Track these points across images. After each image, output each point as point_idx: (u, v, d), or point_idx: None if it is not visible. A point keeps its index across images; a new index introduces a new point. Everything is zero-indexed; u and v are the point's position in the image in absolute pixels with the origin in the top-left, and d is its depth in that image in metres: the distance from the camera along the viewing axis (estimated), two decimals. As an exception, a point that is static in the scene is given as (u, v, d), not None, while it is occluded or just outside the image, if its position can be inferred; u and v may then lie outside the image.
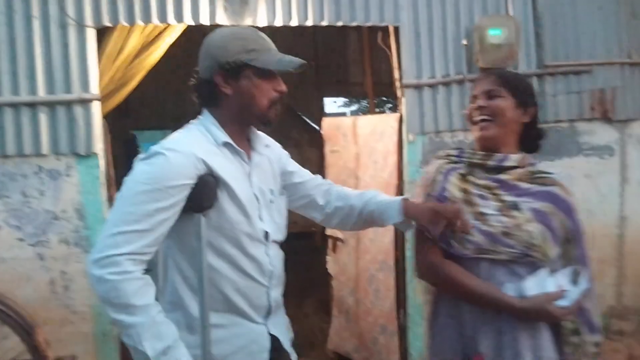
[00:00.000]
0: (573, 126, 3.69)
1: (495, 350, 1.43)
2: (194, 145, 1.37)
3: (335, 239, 3.75)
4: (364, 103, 8.63)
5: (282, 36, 7.93)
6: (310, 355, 3.85)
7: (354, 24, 3.28)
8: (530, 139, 1.60)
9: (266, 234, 1.46)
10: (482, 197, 1.49)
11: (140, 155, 1.36)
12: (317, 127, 7.07)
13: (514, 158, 1.51)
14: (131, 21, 2.97)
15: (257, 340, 1.47)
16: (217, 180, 1.37)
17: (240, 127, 1.48)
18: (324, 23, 3.22)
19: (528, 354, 1.41)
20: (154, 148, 1.35)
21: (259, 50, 1.40)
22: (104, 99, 3.06)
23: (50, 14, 2.92)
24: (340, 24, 3.25)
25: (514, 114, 1.51)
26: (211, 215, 1.37)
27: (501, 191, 1.48)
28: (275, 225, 1.51)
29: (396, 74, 3.43)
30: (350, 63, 7.50)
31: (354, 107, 9.89)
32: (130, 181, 1.32)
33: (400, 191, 3.30)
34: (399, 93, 3.41)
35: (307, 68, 1.46)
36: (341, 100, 9.51)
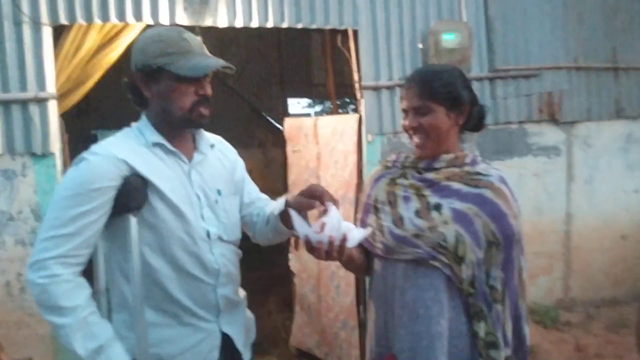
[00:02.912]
0: (522, 127, 3.86)
1: (410, 354, 1.40)
2: (118, 148, 1.37)
3: (298, 237, 3.79)
4: (328, 104, 8.70)
5: (246, 37, 7.88)
6: (273, 353, 3.88)
7: (314, 26, 3.35)
8: (472, 124, 1.52)
9: (208, 233, 1.44)
10: (406, 198, 1.46)
11: (73, 162, 1.37)
12: (281, 128, 7.09)
13: (445, 158, 1.45)
14: (89, 19, 2.94)
15: (206, 339, 1.45)
16: (145, 181, 1.36)
17: (173, 128, 1.44)
18: (285, 25, 3.27)
19: None
20: (82, 154, 1.36)
21: (177, 53, 1.36)
22: (60, 97, 3.02)
23: (5, 10, 2.87)
24: (300, 26, 3.31)
25: (448, 123, 1.43)
26: (144, 215, 1.36)
27: (428, 191, 1.44)
28: (221, 224, 1.49)
29: (355, 76, 3.51)
30: (313, 64, 7.57)
31: (318, 108, 9.96)
32: (58, 188, 1.36)
33: (360, 190, 3.37)
34: (358, 94, 3.50)
35: (234, 69, 1.43)
36: (305, 101, 9.55)
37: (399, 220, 1.44)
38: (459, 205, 1.40)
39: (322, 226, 1.31)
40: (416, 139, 1.45)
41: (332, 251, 1.30)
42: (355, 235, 1.34)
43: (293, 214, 1.37)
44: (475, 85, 3.68)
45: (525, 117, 3.83)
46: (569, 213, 4.01)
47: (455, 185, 1.42)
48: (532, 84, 3.82)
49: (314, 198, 1.40)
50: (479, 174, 1.43)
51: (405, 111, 1.47)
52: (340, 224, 1.32)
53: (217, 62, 1.39)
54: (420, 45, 3.47)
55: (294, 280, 3.85)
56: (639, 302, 3.42)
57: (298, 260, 3.80)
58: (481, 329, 1.39)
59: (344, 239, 1.31)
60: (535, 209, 3.91)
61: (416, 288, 1.40)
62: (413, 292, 1.41)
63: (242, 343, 1.55)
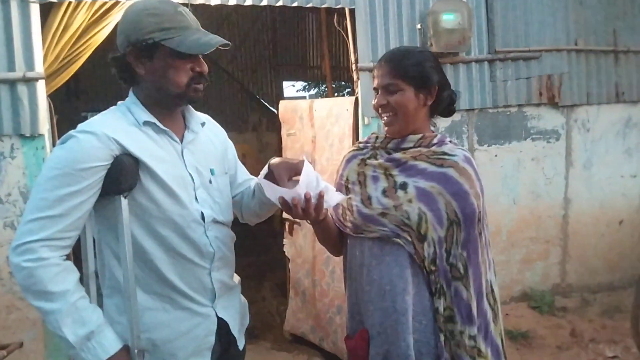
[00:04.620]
0: (522, 111, 3.81)
1: (379, 329, 1.44)
2: (109, 126, 1.31)
3: (292, 222, 3.77)
4: (324, 87, 8.63)
5: (240, 18, 7.77)
6: (267, 338, 3.87)
7: (309, 5, 3.26)
8: (442, 108, 1.55)
9: (202, 215, 1.41)
10: (374, 178, 1.49)
11: (59, 140, 1.31)
12: (275, 111, 7.03)
13: (413, 139, 1.49)
14: (78, -4, 2.86)
15: (202, 323, 1.43)
16: (136, 161, 1.31)
17: (164, 106, 1.39)
18: (279, 3, 3.18)
19: (410, 336, 1.41)
20: (70, 132, 1.30)
21: (174, 28, 1.30)
22: (49, 78, 2.94)
23: (-10, -13, 2.77)
24: (295, 4, 3.22)
25: (416, 103, 1.46)
26: (136, 197, 1.32)
27: (396, 171, 1.47)
28: (216, 205, 1.46)
29: (352, 57, 3.44)
30: (309, 46, 7.48)
31: (313, 91, 9.87)
32: (44, 167, 1.29)
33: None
34: (354, 76, 3.43)
35: (230, 47, 1.38)
36: (300, 84, 9.47)
37: (367, 200, 1.48)
38: (424, 184, 1.44)
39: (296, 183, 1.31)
40: (385, 117, 1.49)
41: (308, 207, 1.31)
42: (333, 196, 1.34)
43: (264, 182, 1.34)
44: (475, 67, 3.62)
45: (525, 100, 3.79)
46: (567, 198, 3.98)
47: (422, 164, 1.46)
48: (532, 67, 3.76)
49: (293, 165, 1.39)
50: (445, 153, 1.47)
51: (376, 90, 1.51)
52: (318, 182, 1.31)
53: (217, 39, 1.34)
54: (418, 26, 3.40)
55: (289, 265, 3.83)
56: (634, 288, 3.42)
57: (293, 246, 3.76)
58: (441, 304, 1.44)
59: (321, 196, 1.31)
60: (533, 193, 3.88)
61: (382, 265, 1.45)
62: (380, 269, 1.45)
63: (238, 329, 1.54)
